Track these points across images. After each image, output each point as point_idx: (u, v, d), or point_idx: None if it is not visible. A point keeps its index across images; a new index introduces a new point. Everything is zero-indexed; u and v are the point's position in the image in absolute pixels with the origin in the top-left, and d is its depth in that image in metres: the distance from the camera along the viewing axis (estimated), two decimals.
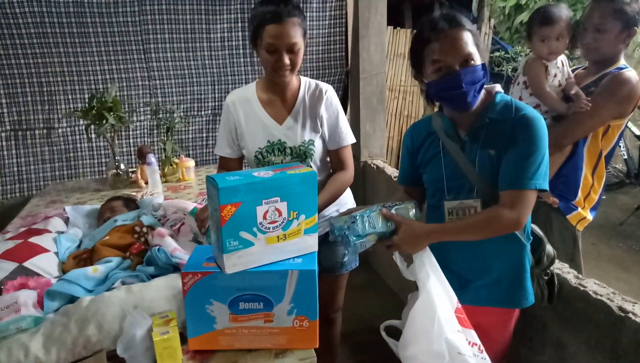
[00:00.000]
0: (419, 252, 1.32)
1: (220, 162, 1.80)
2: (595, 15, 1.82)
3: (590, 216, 1.97)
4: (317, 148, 1.69)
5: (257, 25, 1.51)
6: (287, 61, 1.52)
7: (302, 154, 1.67)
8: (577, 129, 1.85)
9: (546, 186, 1.27)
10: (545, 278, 1.51)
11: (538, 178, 1.26)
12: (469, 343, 1.22)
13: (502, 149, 1.30)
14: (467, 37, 1.26)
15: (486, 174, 1.34)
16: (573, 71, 2.06)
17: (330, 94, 1.70)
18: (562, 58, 1.97)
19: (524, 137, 1.27)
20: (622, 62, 1.86)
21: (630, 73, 1.80)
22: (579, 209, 1.94)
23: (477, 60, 1.27)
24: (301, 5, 3.18)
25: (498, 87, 1.41)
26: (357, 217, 1.27)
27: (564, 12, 1.89)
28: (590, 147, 1.90)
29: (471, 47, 1.26)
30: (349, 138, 1.74)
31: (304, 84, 1.71)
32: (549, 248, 1.49)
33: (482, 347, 1.24)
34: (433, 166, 1.45)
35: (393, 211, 1.34)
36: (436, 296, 1.25)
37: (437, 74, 1.30)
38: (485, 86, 1.38)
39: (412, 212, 1.37)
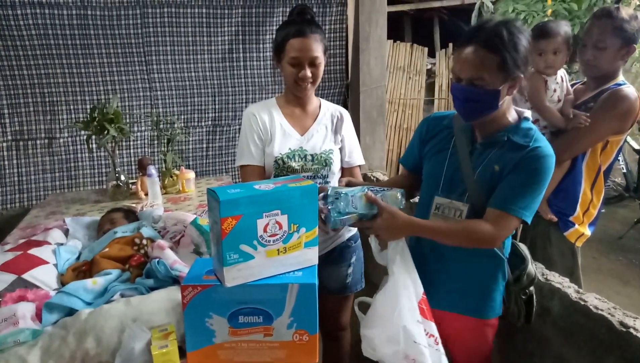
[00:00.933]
0: (395, 241, 1.36)
1: (245, 172, 1.77)
2: (595, 32, 1.83)
3: (588, 232, 1.98)
4: (336, 159, 1.77)
5: (282, 40, 1.62)
6: (309, 73, 1.62)
7: (322, 161, 1.74)
8: (576, 144, 1.86)
9: (529, 221, 1.32)
10: (524, 297, 1.51)
11: (527, 210, 1.30)
12: (427, 334, 1.27)
13: (506, 170, 1.33)
14: (490, 61, 1.25)
15: (483, 184, 1.36)
16: (572, 85, 2.07)
17: (348, 116, 1.86)
18: (561, 73, 1.99)
19: (531, 168, 1.30)
20: (620, 78, 1.88)
21: (629, 89, 1.81)
22: (577, 226, 1.94)
23: (491, 85, 1.27)
24: None
25: (528, 113, 1.42)
26: (342, 195, 1.30)
27: (562, 27, 1.90)
28: (589, 162, 1.92)
29: (487, 72, 1.26)
30: (361, 159, 1.88)
31: (325, 104, 1.85)
32: (531, 268, 1.49)
33: (439, 340, 1.28)
34: (437, 160, 1.48)
35: (379, 196, 1.36)
36: (403, 284, 1.30)
37: (454, 76, 1.36)
38: (517, 108, 1.42)
39: (398, 200, 1.40)
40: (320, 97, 1.91)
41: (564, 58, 1.92)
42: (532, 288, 1.51)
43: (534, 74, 1.96)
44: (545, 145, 1.33)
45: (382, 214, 1.33)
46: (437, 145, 1.49)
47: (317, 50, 1.62)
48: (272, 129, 1.74)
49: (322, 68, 1.67)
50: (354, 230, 1.90)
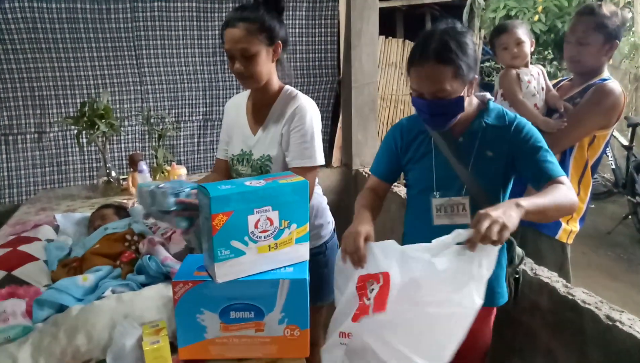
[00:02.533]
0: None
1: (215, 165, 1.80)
2: (578, 28, 1.88)
3: (577, 227, 2.00)
4: (275, 165, 1.58)
5: (221, 29, 1.51)
6: (238, 66, 1.47)
7: (258, 169, 1.60)
8: (563, 139, 1.89)
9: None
10: (517, 277, 1.56)
11: (560, 167, 1.35)
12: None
13: (501, 151, 1.39)
14: (447, 73, 1.27)
15: (480, 173, 1.40)
16: (558, 83, 2.12)
17: (304, 112, 1.53)
18: (538, 69, 2.06)
19: (530, 139, 1.36)
20: (605, 73, 1.91)
21: (614, 84, 1.85)
22: (564, 225, 1.96)
23: (453, 93, 1.30)
24: (291, 15, 3.21)
25: (489, 95, 1.48)
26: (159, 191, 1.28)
27: (518, 23, 2.02)
28: (577, 157, 1.94)
29: (447, 83, 1.28)
30: (299, 162, 1.53)
31: (283, 93, 1.61)
32: (518, 248, 1.55)
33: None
34: (423, 164, 1.48)
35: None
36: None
37: (414, 92, 1.36)
38: (476, 94, 1.45)
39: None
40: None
41: (528, 48, 2.00)
42: (521, 266, 1.57)
43: (505, 70, 2.03)
44: (517, 115, 1.43)
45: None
46: (419, 150, 1.49)
47: (246, 40, 1.44)
48: (235, 125, 1.69)
49: (260, 60, 1.47)
50: (327, 236, 1.77)
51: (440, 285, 1.08)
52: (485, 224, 1.04)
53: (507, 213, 1.08)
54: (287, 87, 1.64)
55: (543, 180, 1.33)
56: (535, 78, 2.02)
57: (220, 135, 1.79)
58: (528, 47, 2.00)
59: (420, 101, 1.34)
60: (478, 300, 1.04)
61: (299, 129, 1.53)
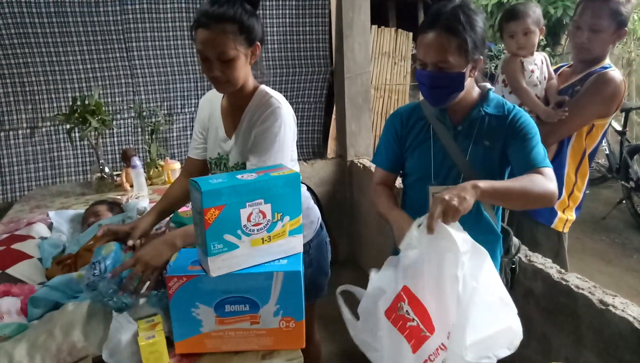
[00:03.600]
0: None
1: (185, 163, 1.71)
2: (590, 14, 1.80)
3: (574, 216, 1.99)
4: None
5: (192, 27, 1.36)
6: (217, 73, 1.35)
7: None
8: (562, 128, 1.86)
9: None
10: (513, 266, 1.58)
11: (546, 158, 1.36)
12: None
13: (497, 141, 1.39)
14: (452, 44, 1.28)
15: (476, 162, 1.40)
16: (558, 69, 2.07)
17: (273, 114, 1.42)
18: (542, 56, 1.99)
19: (523, 129, 1.37)
20: (607, 61, 1.87)
21: (615, 73, 1.80)
22: (559, 214, 1.95)
23: (456, 67, 1.30)
24: (282, 4, 3.18)
25: (489, 85, 1.47)
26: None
27: (531, 8, 1.91)
28: (575, 145, 1.92)
29: (451, 55, 1.29)
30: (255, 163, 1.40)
31: (257, 95, 1.49)
32: (515, 239, 1.57)
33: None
34: (421, 152, 1.48)
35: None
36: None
37: (419, 62, 1.37)
38: (479, 84, 1.46)
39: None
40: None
41: (536, 38, 1.92)
42: (517, 257, 1.59)
43: (510, 57, 1.97)
44: (516, 107, 1.43)
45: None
46: (418, 137, 1.49)
47: (224, 44, 1.31)
48: (210, 125, 1.59)
49: (238, 64, 1.35)
50: (311, 235, 1.69)
51: (444, 266, 1.11)
52: (438, 209, 1.10)
53: (461, 196, 1.13)
54: (262, 87, 1.51)
55: (526, 169, 1.33)
56: (539, 67, 1.96)
57: (194, 132, 1.67)
58: (537, 37, 1.91)
59: (422, 73, 1.36)
60: (478, 245, 1.12)
61: (263, 133, 1.41)
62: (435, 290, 1.13)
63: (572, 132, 1.89)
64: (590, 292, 1.50)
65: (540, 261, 1.73)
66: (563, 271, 1.65)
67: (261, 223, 1.10)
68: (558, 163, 1.92)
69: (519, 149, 1.36)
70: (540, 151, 1.36)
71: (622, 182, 4.47)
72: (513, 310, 1.11)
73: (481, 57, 1.35)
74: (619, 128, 4.63)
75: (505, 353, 1.08)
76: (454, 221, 1.12)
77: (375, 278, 1.25)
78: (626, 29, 1.81)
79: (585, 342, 1.50)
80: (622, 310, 1.38)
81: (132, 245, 1.42)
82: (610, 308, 1.40)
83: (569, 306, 1.55)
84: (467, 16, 1.28)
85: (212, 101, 1.61)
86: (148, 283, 1.22)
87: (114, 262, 1.26)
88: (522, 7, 1.91)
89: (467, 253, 1.09)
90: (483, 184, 1.17)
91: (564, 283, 1.57)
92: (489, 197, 1.21)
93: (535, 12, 1.91)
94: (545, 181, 1.27)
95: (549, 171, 1.32)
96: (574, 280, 1.58)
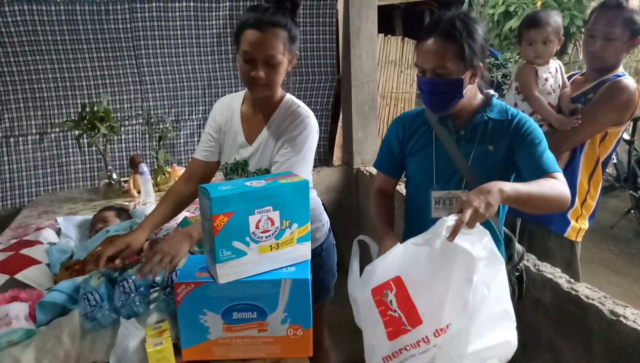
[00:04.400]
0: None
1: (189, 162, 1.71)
2: (603, 22, 1.80)
3: (586, 225, 1.97)
4: None
5: (238, 28, 1.40)
6: (261, 74, 1.38)
7: None
8: (576, 135, 1.84)
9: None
10: (517, 274, 1.56)
11: (557, 164, 1.36)
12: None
13: (501, 145, 1.39)
14: (450, 50, 1.30)
15: (480, 167, 1.40)
16: (570, 77, 2.06)
17: (300, 121, 1.48)
18: (557, 64, 1.98)
19: (530, 134, 1.37)
20: (620, 69, 1.86)
21: (628, 81, 1.80)
22: (572, 222, 1.93)
23: (454, 73, 1.31)
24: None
25: (492, 91, 1.48)
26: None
27: (552, 17, 1.90)
28: (588, 153, 1.90)
29: (449, 61, 1.30)
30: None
31: (284, 103, 1.54)
32: (518, 245, 1.55)
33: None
34: (423, 156, 1.49)
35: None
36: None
37: (419, 69, 1.39)
38: (483, 91, 1.46)
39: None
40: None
41: (554, 48, 1.91)
42: (522, 264, 1.56)
43: (524, 64, 1.96)
44: (520, 112, 1.43)
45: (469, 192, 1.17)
46: (419, 142, 1.50)
47: (275, 47, 1.36)
48: (228, 131, 1.60)
49: (282, 70, 1.42)
50: (322, 238, 1.72)
51: (450, 266, 1.10)
52: (468, 215, 1.07)
53: (489, 201, 1.10)
54: (288, 96, 1.56)
55: (538, 174, 1.32)
56: (553, 76, 1.95)
57: (204, 134, 1.65)
58: (555, 46, 1.90)
59: (422, 80, 1.37)
60: (498, 253, 1.11)
61: (292, 140, 1.46)
62: (431, 287, 1.12)
63: (585, 140, 1.88)
64: (600, 302, 1.48)
65: (550, 270, 1.71)
66: (572, 280, 1.64)
67: (269, 230, 1.10)
68: (571, 171, 1.90)
69: (528, 155, 1.36)
70: (550, 155, 1.35)
71: (631, 191, 4.44)
72: (513, 322, 1.11)
73: (481, 64, 1.36)
74: (627, 137, 4.60)
75: None
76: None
77: (378, 257, 1.24)
78: (639, 38, 1.80)
79: (595, 352, 1.48)
80: (634, 321, 1.36)
81: (120, 264, 1.38)
82: (622, 319, 1.38)
83: (579, 316, 1.53)
84: (464, 24, 1.30)
85: (231, 106, 1.62)
86: (164, 270, 1.21)
87: (107, 291, 1.23)
88: (544, 16, 1.90)
89: (485, 260, 1.08)
90: (508, 188, 1.16)
91: (574, 293, 1.56)
92: (512, 201, 1.20)
93: (557, 21, 1.90)
94: (561, 185, 1.28)
95: (562, 175, 1.32)
96: (584, 290, 1.56)
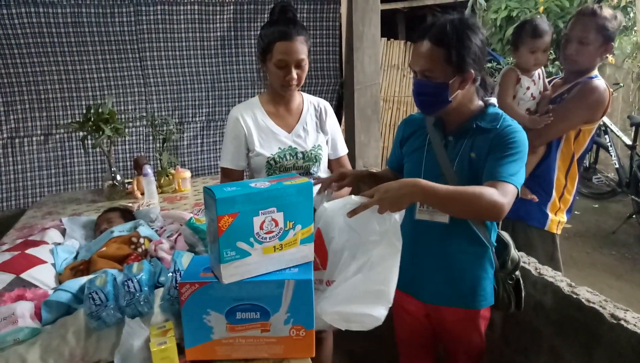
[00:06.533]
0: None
1: (224, 173, 1.85)
2: (579, 28, 1.93)
3: (565, 218, 2.09)
4: (324, 153, 1.87)
5: (269, 42, 1.66)
6: (295, 75, 1.68)
7: (312, 158, 1.82)
8: (549, 131, 1.98)
9: (519, 186, 1.32)
10: (511, 282, 1.52)
11: (515, 176, 1.30)
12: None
13: (483, 154, 1.37)
14: (438, 55, 1.31)
15: (463, 174, 1.40)
16: (551, 80, 2.17)
17: (331, 108, 1.93)
18: (539, 71, 2.09)
19: (506, 142, 1.34)
20: (595, 72, 1.98)
21: (599, 81, 1.93)
22: (551, 216, 2.05)
23: (440, 78, 1.33)
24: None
25: (493, 100, 1.48)
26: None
27: (549, 26, 2.02)
28: (564, 150, 2.03)
29: (436, 65, 1.32)
30: (345, 148, 1.99)
31: (306, 98, 1.91)
32: (514, 253, 1.53)
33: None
34: (415, 158, 1.53)
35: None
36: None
37: (411, 70, 1.43)
38: (483, 98, 1.46)
39: None
40: (315, 95, 1.94)
41: (548, 55, 2.05)
42: (517, 272, 1.53)
43: (509, 70, 2.07)
44: (514, 124, 1.38)
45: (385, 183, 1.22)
46: (414, 143, 1.54)
47: (303, 52, 1.67)
48: (258, 131, 1.79)
49: (306, 68, 1.73)
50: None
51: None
52: (371, 202, 1.18)
53: (399, 194, 1.17)
54: (301, 91, 1.91)
55: (487, 179, 1.31)
56: (536, 83, 2.06)
57: (231, 146, 1.81)
58: (548, 55, 2.04)
59: (413, 80, 1.41)
60: (397, 243, 1.20)
61: (334, 123, 1.93)
62: (335, 245, 1.24)
63: (558, 136, 2.00)
64: (601, 306, 1.48)
65: (550, 274, 1.72)
66: (573, 284, 1.64)
67: (273, 231, 1.11)
68: (546, 166, 2.05)
69: (492, 159, 1.34)
70: (513, 167, 1.30)
71: (632, 196, 4.44)
72: (388, 303, 1.16)
73: (472, 71, 1.34)
74: (629, 142, 4.60)
75: (357, 328, 1.17)
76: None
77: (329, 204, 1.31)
78: (613, 43, 1.93)
79: (595, 356, 1.49)
80: (635, 325, 1.37)
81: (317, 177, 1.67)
82: (622, 322, 1.39)
83: (580, 320, 1.54)
84: (456, 30, 1.30)
85: (254, 111, 1.81)
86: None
87: (114, 290, 1.24)
88: (545, 25, 2.00)
89: (379, 244, 1.19)
90: (427, 187, 1.20)
91: (575, 296, 1.56)
92: (430, 201, 1.27)
93: (551, 29, 2.02)
94: (496, 194, 1.23)
95: (508, 186, 1.27)
96: (585, 293, 1.57)
